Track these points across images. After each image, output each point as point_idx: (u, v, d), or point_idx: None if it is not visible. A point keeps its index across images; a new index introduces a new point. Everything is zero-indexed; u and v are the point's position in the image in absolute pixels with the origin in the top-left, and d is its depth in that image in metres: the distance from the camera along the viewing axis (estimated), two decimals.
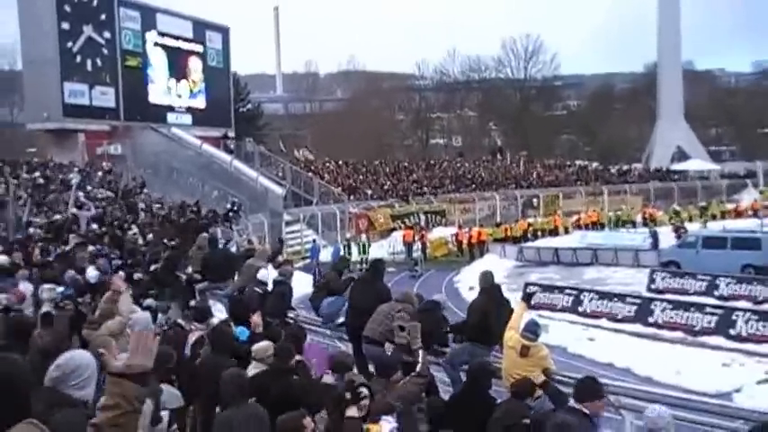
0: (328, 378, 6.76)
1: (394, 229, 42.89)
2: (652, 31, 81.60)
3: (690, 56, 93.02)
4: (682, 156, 76.55)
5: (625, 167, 73.10)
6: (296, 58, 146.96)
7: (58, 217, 24.16)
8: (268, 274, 12.27)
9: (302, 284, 25.10)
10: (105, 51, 41.31)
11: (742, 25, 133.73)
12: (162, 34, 45.05)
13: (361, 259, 34.01)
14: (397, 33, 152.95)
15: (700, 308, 22.01)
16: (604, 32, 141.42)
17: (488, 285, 9.64)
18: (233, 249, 20.94)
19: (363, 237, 38.36)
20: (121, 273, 12.13)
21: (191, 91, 47.43)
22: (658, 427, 5.76)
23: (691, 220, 49.74)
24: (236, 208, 33.83)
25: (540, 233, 47.41)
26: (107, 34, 41.31)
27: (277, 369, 6.86)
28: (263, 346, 7.32)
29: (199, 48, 48.18)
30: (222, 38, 50.60)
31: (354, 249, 35.81)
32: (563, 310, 24.73)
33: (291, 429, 4.97)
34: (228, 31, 51.45)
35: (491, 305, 9.39)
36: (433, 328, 8.95)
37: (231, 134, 48.92)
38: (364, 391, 5.19)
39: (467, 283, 28.74)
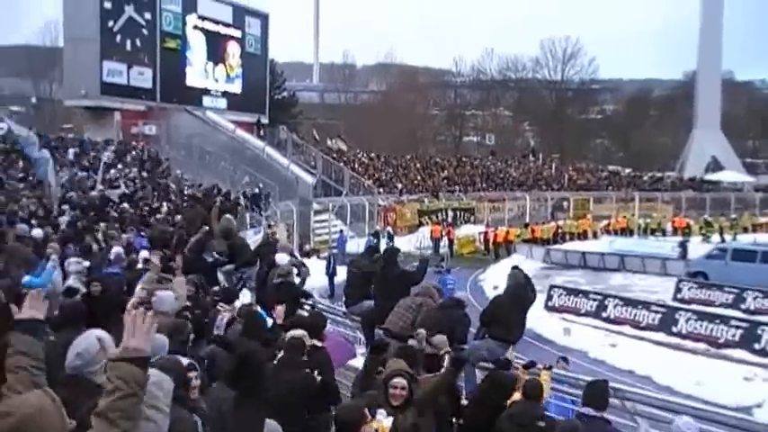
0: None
1: (422, 224, 42.97)
2: (693, 38, 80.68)
3: (730, 66, 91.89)
4: (716, 166, 75.73)
5: (658, 175, 72.47)
6: (334, 49, 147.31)
7: (93, 193, 24.46)
8: (289, 260, 12.31)
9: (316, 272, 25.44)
10: (145, 32, 41.66)
11: None
12: (202, 18, 45.32)
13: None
14: (435, 29, 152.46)
15: (725, 320, 21.89)
16: (644, 38, 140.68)
17: (515, 283, 9.64)
18: (260, 235, 21.05)
19: (389, 229, 38.38)
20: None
21: (227, 75, 47.70)
22: None
23: (722, 231, 49.25)
24: (260, 192, 34.02)
25: (568, 236, 47.19)
26: (148, 15, 41.64)
27: (288, 361, 6.85)
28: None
29: (237, 33, 48.41)
30: (261, 24, 50.81)
31: (382, 242, 35.89)
32: (587, 314, 24.69)
33: (351, 423, 5.03)
34: (268, 17, 51.65)
35: (515, 303, 9.39)
36: (453, 325, 9.00)
37: (265, 120, 49.12)
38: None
39: (492, 281, 28.78)
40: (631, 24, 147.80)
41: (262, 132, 46.56)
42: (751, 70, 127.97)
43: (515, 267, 10.28)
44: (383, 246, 33.81)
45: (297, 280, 11.89)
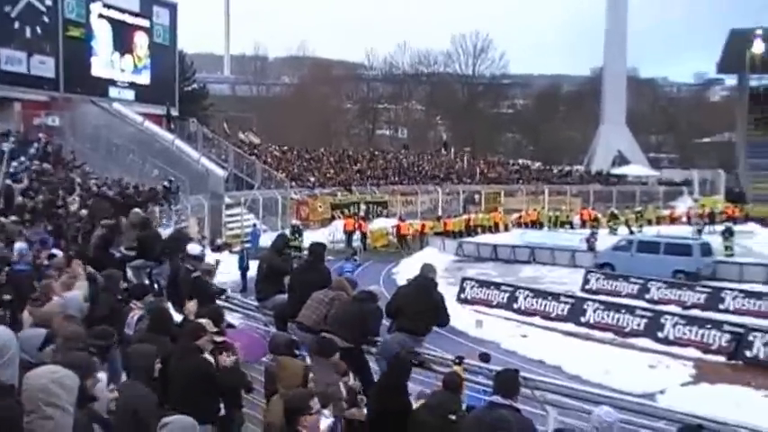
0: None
1: (334, 218, 42.85)
2: (599, 36, 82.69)
3: (635, 63, 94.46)
4: (622, 160, 77.75)
5: (567, 169, 74.05)
6: (245, 40, 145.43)
7: None
8: (201, 248, 12.04)
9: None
10: (46, 19, 40.04)
11: (685, 37, 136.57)
12: (107, 6, 43.86)
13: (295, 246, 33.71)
14: (348, 21, 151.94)
15: (630, 310, 22.54)
16: (553, 35, 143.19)
17: (421, 276, 9.58)
18: (170, 229, 20.62)
19: (298, 223, 37.93)
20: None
21: (135, 66, 46.40)
22: (603, 429, 5.84)
23: (628, 224, 50.56)
24: (172, 187, 33.31)
25: (480, 229, 47.74)
26: (48, 2, 40.05)
27: (184, 348, 6.75)
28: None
29: (145, 23, 47.14)
30: (170, 14, 49.60)
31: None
32: (498, 306, 25.04)
33: (297, 408, 5.00)
34: (176, 7, 50.44)
35: (416, 296, 9.32)
36: (366, 318, 8.91)
37: (175, 113, 48.08)
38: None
39: (404, 274, 28.83)
40: (540, 21, 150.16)
41: (171, 125, 45.57)
42: (654, 68, 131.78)
43: (428, 264, 10.20)
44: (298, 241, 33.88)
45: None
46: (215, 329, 7.18)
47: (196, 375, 6.45)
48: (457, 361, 8.42)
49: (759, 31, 73.59)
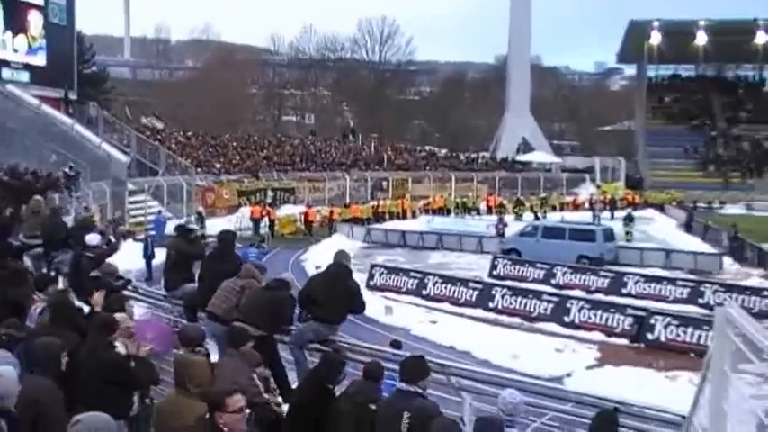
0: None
1: (241, 205, 42.26)
2: (504, 24, 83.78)
3: (538, 52, 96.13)
4: (527, 148, 79.06)
5: (473, 156, 74.82)
6: (146, 22, 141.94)
7: None
8: (101, 238, 11.55)
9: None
10: None
11: (586, 27, 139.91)
12: None
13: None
14: (253, 5, 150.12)
15: (537, 295, 22.89)
16: (459, 22, 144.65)
17: (335, 264, 9.39)
18: (70, 217, 19.90)
19: (201, 210, 37.13)
20: None
21: (29, 46, 44.43)
22: (509, 410, 5.91)
23: (533, 210, 51.49)
24: (72, 173, 32.12)
25: (387, 216, 47.83)
26: None
27: (96, 342, 6.44)
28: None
29: (39, 1, 45.25)
30: None
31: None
32: (407, 292, 25.07)
33: (216, 404, 4.83)
34: None
35: (332, 284, 9.15)
36: (279, 306, 8.70)
37: (73, 96, 46.40)
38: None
39: (313, 261, 28.65)
40: (446, 8, 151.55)
41: (70, 109, 43.96)
42: (556, 57, 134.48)
43: (341, 250, 10.03)
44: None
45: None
46: (131, 324, 6.88)
47: (110, 370, 6.20)
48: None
49: (656, 23, 75.89)
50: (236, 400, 4.86)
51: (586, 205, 54.62)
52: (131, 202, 36.50)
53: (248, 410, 5.19)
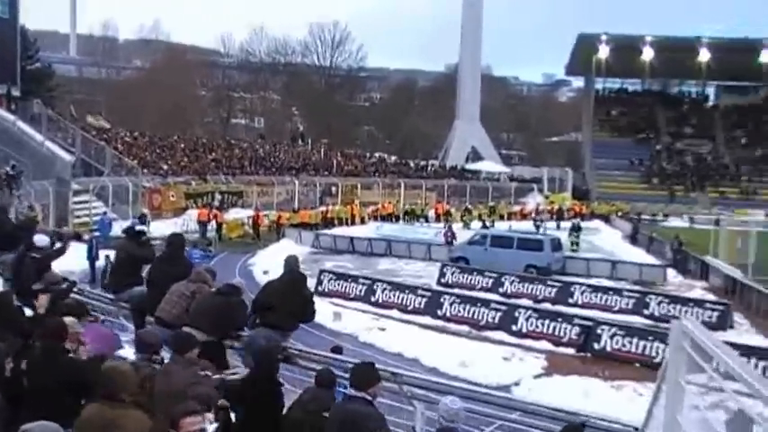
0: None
1: (188, 207, 41.79)
2: (456, 33, 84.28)
3: (488, 61, 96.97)
4: (476, 156, 79.67)
5: (422, 163, 75.07)
6: (93, 19, 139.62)
7: None
8: (47, 239, 11.24)
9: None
10: None
11: (536, 39, 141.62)
12: None
13: None
14: (204, 5, 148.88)
15: (485, 303, 22.94)
16: (411, 30, 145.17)
17: (291, 271, 9.31)
18: (11, 216, 19.39)
19: (146, 212, 36.56)
20: None
21: None
22: (450, 416, 5.97)
23: (481, 218, 51.81)
24: (14, 172, 31.43)
25: (336, 221, 47.74)
26: None
27: (47, 347, 6.20)
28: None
29: None
30: None
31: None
32: (356, 299, 24.99)
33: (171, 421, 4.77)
34: None
35: (289, 291, 9.07)
36: (231, 312, 8.57)
37: (16, 92, 45.34)
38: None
39: (261, 266, 28.43)
40: (398, 16, 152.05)
41: (12, 105, 42.97)
42: (506, 67, 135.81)
43: (291, 256, 9.96)
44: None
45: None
46: (80, 329, 6.66)
47: (62, 377, 5.92)
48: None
49: (604, 37, 77.08)
50: (191, 422, 4.74)
51: (533, 215, 55.07)
52: (75, 203, 35.81)
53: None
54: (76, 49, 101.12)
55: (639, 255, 38.87)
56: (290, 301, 8.86)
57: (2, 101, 42.41)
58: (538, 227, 46.92)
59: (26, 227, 13.28)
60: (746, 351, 17.17)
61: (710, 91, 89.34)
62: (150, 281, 9.82)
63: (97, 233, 30.50)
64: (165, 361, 6.79)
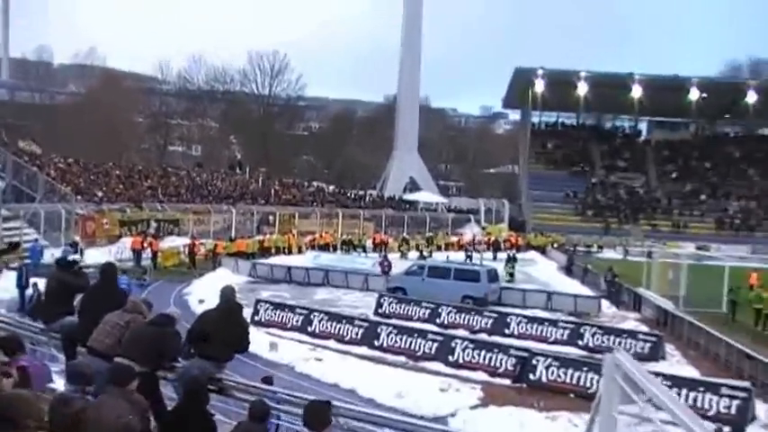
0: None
1: (122, 235, 41.11)
2: (394, 64, 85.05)
3: (426, 93, 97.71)
4: (414, 187, 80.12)
5: (360, 193, 75.23)
6: (27, 43, 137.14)
7: None
8: None
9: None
10: None
11: (474, 71, 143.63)
12: None
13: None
14: (142, 31, 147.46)
15: (422, 334, 22.97)
16: (349, 60, 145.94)
17: (228, 301, 9.20)
18: None
19: (78, 239, 35.82)
20: None
21: None
22: None
23: (418, 249, 52.01)
24: None
25: (273, 250, 47.44)
26: None
27: None
28: None
29: None
30: None
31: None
32: (293, 329, 24.79)
33: None
34: None
35: (225, 321, 8.96)
36: (165, 342, 8.41)
37: None
38: None
39: (197, 295, 28.07)
40: (337, 46, 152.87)
41: None
42: (444, 99, 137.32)
43: (228, 286, 9.84)
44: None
45: None
46: (5, 358, 6.44)
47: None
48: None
49: (540, 71, 78.43)
50: None
51: (470, 246, 55.44)
52: (5, 229, 34.91)
53: None
54: (9, 72, 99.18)
55: (574, 286, 39.43)
56: (225, 331, 8.74)
57: None
58: (470, 257, 47.33)
59: None
60: (678, 382, 17.55)
61: (643, 126, 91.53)
62: (82, 310, 9.60)
63: (28, 260, 29.76)
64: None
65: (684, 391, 17.27)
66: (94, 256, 30.67)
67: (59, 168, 47.15)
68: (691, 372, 21.27)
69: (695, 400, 17.09)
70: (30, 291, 23.74)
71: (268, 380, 10.94)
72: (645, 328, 27.39)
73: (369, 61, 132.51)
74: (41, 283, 16.43)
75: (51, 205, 38.55)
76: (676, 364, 23.01)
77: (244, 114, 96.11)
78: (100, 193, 45.33)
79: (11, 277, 25.32)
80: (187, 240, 42.22)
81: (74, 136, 72.31)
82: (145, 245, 38.12)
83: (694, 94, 78.21)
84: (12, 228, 35.38)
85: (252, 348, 19.88)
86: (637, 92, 78.50)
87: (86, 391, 6.47)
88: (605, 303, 33.03)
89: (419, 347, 22.32)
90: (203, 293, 26.57)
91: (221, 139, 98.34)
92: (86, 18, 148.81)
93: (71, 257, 11.04)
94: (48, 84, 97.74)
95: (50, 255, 29.68)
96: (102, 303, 9.09)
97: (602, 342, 23.90)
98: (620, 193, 78.46)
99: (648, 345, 23.56)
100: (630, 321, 29.81)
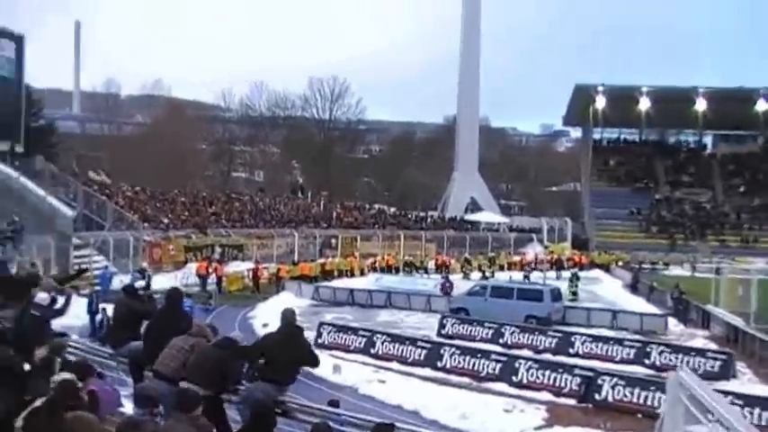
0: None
1: (188, 261, 41.78)
2: (453, 85, 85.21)
3: (486, 113, 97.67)
4: (475, 207, 79.92)
5: (421, 214, 75.22)
6: (96, 76, 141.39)
7: None
8: (48, 297, 11.24)
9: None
10: None
11: (534, 89, 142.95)
12: None
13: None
14: (204, 61, 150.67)
15: (486, 354, 22.82)
16: (409, 82, 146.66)
17: (288, 323, 9.29)
18: (13, 271, 19.38)
19: (145, 266, 36.53)
20: None
21: None
22: None
23: (481, 269, 51.78)
24: (15, 227, 31.48)
25: (336, 273, 47.66)
26: None
27: (54, 402, 6.12)
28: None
29: None
30: (15, 46, 47.34)
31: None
32: (356, 351, 24.83)
33: None
34: (23, 39, 48.19)
35: (287, 343, 9.04)
36: (228, 366, 8.53)
37: (20, 149, 45.67)
38: None
39: (261, 319, 28.33)
40: (396, 69, 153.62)
41: (16, 162, 43.23)
42: (504, 118, 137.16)
43: (288, 309, 9.93)
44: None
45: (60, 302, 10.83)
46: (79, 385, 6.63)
47: None
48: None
49: (601, 88, 77.69)
50: None
51: (533, 265, 54.94)
52: (77, 257, 35.81)
53: None
54: (80, 105, 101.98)
55: (640, 304, 38.77)
56: (286, 354, 8.83)
57: (6, 157, 42.71)
58: (527, 276, 46.92)
59: (29, 282, 13.28)
60: (750, 401, 17.11)
61: (708, 140, 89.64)
62: (148, 334, 9.80)
63: (98, 287, 30.46)
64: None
65: (757, 411, 16.84)
66: (161, 282, 31.22)
67: (127, 197, 48.21)
68: (763, 390, 20.68)
69: None
70: (99, 316, 24.36)
71: (334, 403, 10.97)
72: (714, 346, 26.73)
73: (428, 83, 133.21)
74: (110, 309, 16.83)
75: (120, 233, 39.43)
76: (748, 382, 22.42)
77: (305, 139, 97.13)
78: (166, 220, 46.22)
79: (82, 304, 25.87)
80: (251, 265, 42.69)
81: (140, 165, 73.99)
82: (210, 270, 38.65)
83: (761, 106, 76.62)
84: (82, 255, 36.28)
85: (316, 371, 20.15)
86: (701, 105, 77.18)
87: (154, 413, 6.60)
88: (672, 321, 32.42)
89: (483, 368, 22.19)
90: (267, 317, 26.78)
91: (283, 164, 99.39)
92: (152, 50, 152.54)
93: (137, 284, 11.30)
94: (116, 115, 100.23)
95: (119, 281, 30.42)
96: (168, 328, 9.27)
97: (670, 360, 23.34)
98: (685, 209, 77.01)
99: (718, 363, 22.97)
100: (699, 339, 29.11)
